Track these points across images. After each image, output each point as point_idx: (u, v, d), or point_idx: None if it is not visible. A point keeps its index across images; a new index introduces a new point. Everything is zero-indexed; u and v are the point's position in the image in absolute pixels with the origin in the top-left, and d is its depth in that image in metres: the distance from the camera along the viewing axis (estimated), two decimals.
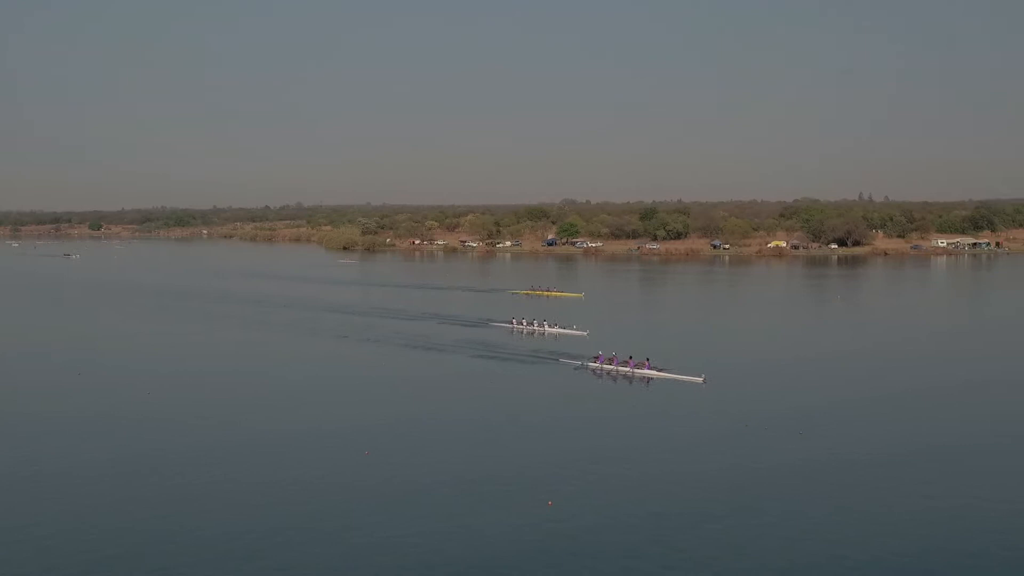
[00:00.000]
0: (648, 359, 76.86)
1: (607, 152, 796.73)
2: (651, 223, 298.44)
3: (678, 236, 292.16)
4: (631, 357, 77.93)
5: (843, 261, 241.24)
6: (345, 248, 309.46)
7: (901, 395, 68.39)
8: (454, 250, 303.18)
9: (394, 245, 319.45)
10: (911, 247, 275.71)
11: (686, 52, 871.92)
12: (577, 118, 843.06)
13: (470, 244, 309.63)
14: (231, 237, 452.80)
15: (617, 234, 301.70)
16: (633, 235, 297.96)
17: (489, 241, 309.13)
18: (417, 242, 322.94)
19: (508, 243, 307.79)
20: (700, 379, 71.55)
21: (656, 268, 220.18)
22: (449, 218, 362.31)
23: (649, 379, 74.54)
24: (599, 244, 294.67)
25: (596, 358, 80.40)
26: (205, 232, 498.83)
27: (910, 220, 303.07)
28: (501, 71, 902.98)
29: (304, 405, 67.56)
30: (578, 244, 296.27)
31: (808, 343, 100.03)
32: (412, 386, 73.85)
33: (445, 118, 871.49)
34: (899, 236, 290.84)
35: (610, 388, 73.38)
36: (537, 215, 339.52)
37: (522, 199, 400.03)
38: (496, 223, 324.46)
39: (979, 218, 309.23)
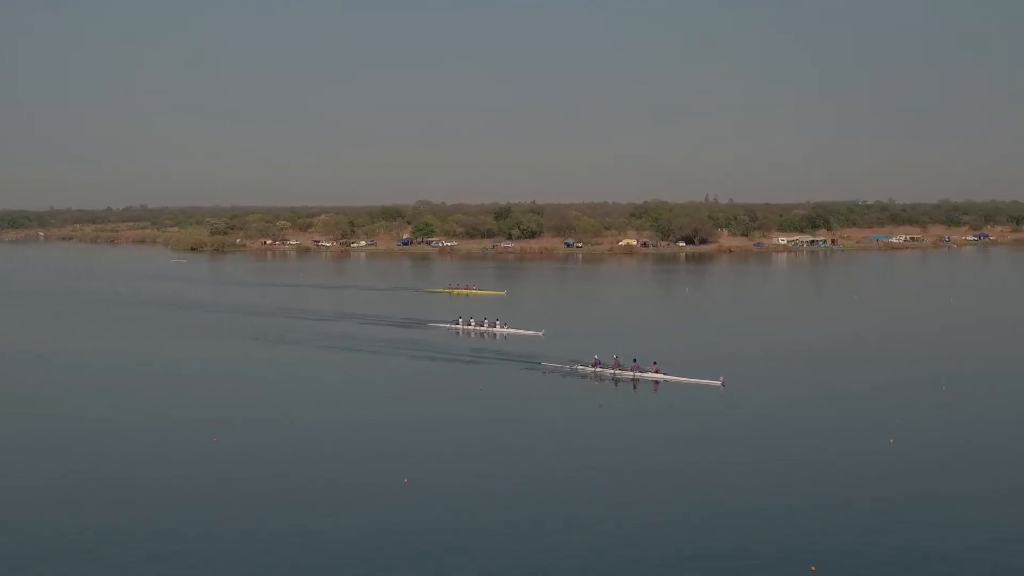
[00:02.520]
0: (655, 362, 70.32)
1: (462, 155, 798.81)
2: (506, 222, 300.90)
3: (532, 235, 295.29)
4: (635, 360, 70.97)
5: (691, 258, 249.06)
6: (193, 249, 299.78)
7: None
8: (307, 250, 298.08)
9: (244, 245, 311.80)
10: (754, 244, 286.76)
11: (541, 56, 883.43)
12: (432, 121, 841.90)
13: (324, 244, 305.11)
14: (70, 239, 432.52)
15: (472, 233, 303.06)
16: (488, 234, 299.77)
17: (343, 241, 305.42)
18: (269, 242, 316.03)
19: (363, 243, 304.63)
20: (719, 383, 65.64)
21: (519, 265, 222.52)
22: (302, 218, 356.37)
23: (656, 383, 68.07)
24: (454, 243, 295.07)
25: (594, 362, 72.70)
26: (42, 234, 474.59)
27: (753, 219, 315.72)
28: (356, 72, 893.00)
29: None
30: (433, 244, 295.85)
31: (786, 336, 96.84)
32: (392, 391, 68.50)
33: (299, 121, 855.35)
34: (743, 234, 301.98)
35: (620, 394, 66.68)
36: (392, 215, 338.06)
37: (377, 201, 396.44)
38: (350, 223, 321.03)
39: (816, 217, 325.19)
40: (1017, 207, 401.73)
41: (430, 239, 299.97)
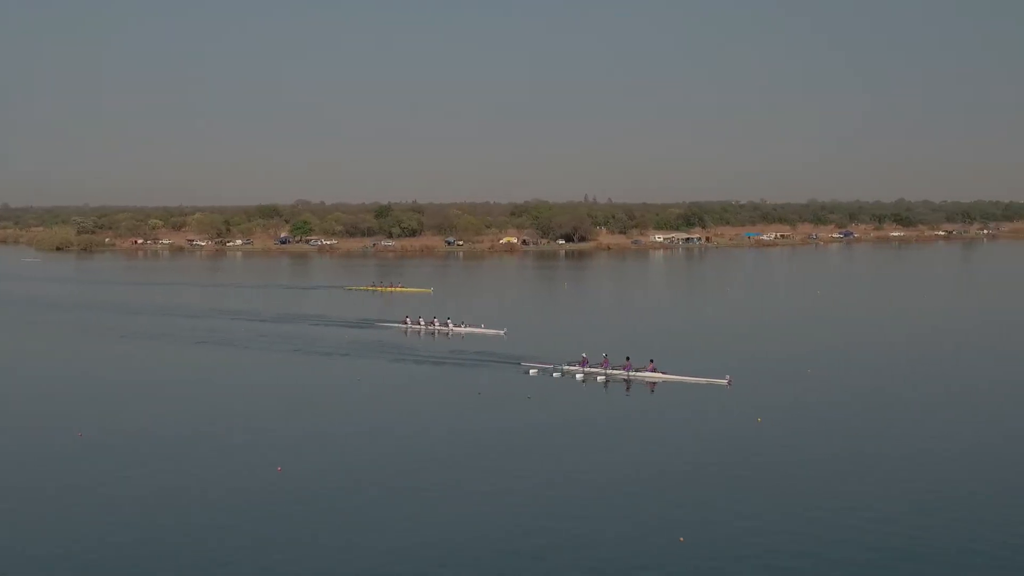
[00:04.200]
0: (652, 360, 65.39)
1: (341, 154, 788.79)
2: (386, 221, 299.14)
3: (413, 234, 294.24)
4: (628, 358, 65.98)
5: (570, 255, 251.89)
6: (59, 249, 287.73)
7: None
8: (181, 249, 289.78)
9: (114, 245, 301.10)
10: (632, 242, 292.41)
11: (424, 57, 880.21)
12: (311, 121, 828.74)
13: (198, 243, 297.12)
14: None
15: (352, 232, 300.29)
16: (368, 233, 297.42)
17: (218, 240, 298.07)
18: (139, 241, 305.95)
19: (239, 242, 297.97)
20: (725, 381, 61.89)
21: (401, 263, 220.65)
22: (175, 217, 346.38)
23: (654, 384, 63.17)
24: (333, 242, 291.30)
25: (581, 361, 67.18)
26: None
27: (631, 218, 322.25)
28: (240, 74, 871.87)
29: None
30: (312, 242, 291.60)
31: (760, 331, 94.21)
32: (358, 396, 61.30)
33: (172, 119, 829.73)
34: (621, 232, 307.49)
35: (623, 397, 61.11)
36: (269, 213, 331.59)
37: (253, 200, 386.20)
38: (226, 222, 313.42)
39: (691, 216, 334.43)
40: (879, 207, 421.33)
41: (309, 237, 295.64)
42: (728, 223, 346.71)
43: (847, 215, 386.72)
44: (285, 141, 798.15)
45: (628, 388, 62.91)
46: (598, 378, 64.92)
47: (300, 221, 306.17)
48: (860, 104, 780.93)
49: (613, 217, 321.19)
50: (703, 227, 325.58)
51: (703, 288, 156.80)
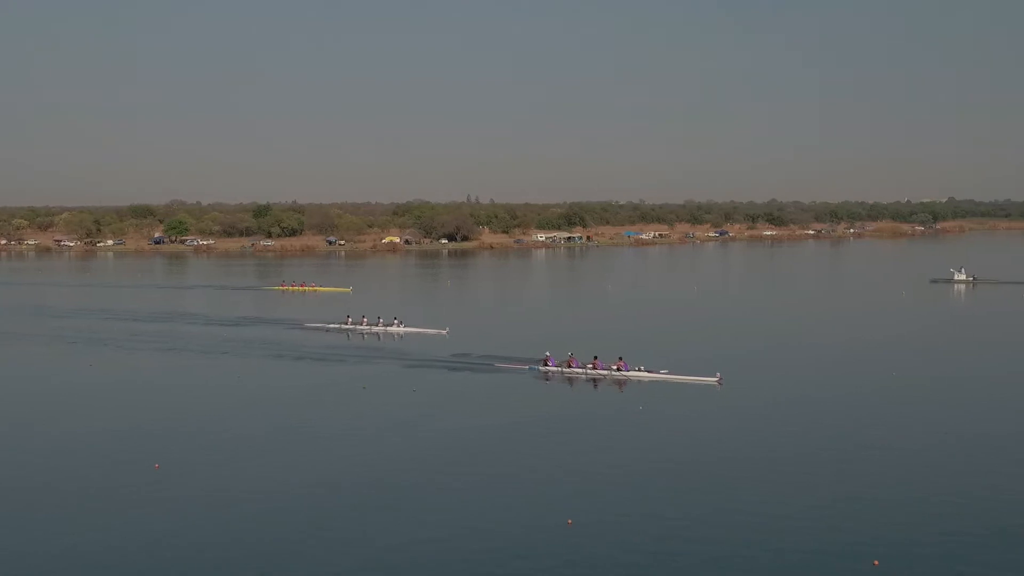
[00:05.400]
0: (621, 358, 64.20)
1: (218, 154, 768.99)
2: (265, 220, 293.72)
3: (293, 233, 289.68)
4: (596, 357, 65.04)
5: (453, 254, 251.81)
6: None
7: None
8: (48, 249, 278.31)
9: None
10: (515, 241, 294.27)
11: (303, 55, 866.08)
12: (181, 119, 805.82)
13: (66, 243, 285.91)
14: None
15: (230, 232, 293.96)
16: (247, 232, 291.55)
17: (88, 240, 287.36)
18: (3, 242, 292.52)
19: (110, 242, 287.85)
20: (715, 379, 60.02)
21: (280, 262, 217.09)
22: (41, 217, 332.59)
23: (623, 382, 62.07)
24: (210, 242, 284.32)
25: (545, 360, 65.99)
26: None
27: (513, 217, 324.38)
28: (94, 70, 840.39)
29: None
30: (188, 242, 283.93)
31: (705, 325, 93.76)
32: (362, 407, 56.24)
33: (37, 117, 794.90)
34: (503, 232, 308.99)
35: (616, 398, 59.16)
36: (142, 213, 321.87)
37: (125, 200, 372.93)
38: (96, 221, 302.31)
39: (572, 215, 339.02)
40: (753, 207, 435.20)
41: (184, 237, 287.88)
42: (608, 223, 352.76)
43: (722, 215, 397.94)
44: (158, 140, 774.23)
45: (596, 386, 61.82)
46: (591, 376, 64.07)
47: (175, 220, 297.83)
48: (736, 108, 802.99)
49: (496, 217, 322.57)
50: (584, 226, 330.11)
51: (589, 285, 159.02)
